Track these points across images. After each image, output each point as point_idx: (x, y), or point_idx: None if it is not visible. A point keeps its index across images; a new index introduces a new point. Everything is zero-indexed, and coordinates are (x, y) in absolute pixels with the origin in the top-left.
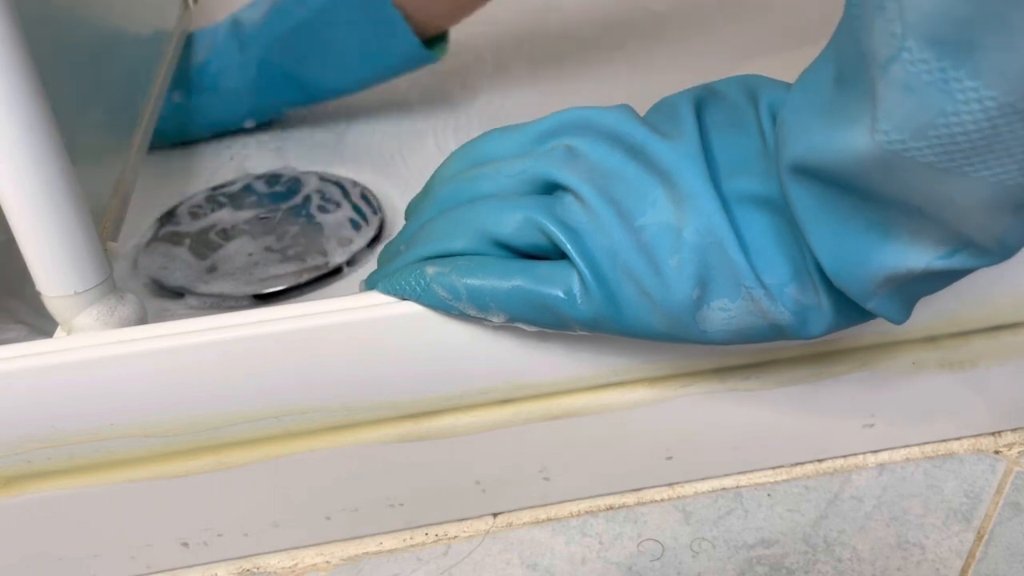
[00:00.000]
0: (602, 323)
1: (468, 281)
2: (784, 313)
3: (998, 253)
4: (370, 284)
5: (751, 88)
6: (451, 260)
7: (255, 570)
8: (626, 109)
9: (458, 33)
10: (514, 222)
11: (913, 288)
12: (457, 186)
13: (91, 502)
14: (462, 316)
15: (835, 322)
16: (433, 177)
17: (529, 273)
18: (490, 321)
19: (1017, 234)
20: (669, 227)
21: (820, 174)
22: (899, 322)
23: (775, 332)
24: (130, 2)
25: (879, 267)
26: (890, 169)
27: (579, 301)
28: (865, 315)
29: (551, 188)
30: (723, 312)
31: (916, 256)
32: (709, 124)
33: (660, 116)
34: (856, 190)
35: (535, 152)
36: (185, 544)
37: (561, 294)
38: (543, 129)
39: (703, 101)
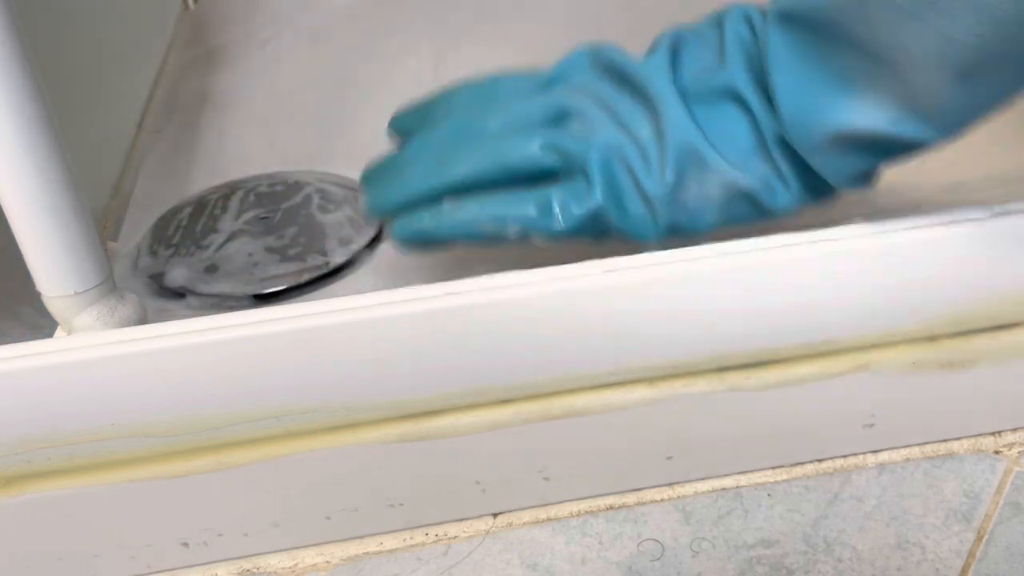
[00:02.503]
0: (602, 218)
1: (486, 209)
2: (750, 181)
3: (939, 126)
4: (375, 206)
5: (721, 12)
6: (469, 193)
7: (255, 570)
8: (620, 48)
9: (460, 35)
10: (527, 147)
11: (858, 154)
12: (469, 115)
13: (91, 502)
14: (479, 238)
15: (799, 192)
16: (436, 102)
17: (539, 193)
18: (506, 238)
19: (957, 105)
20: (653, 131)
21: (802, 18)
22: (837, 184)
23: (748, 203)
24: (129, 3)
25: (833, 119)
26: (865, 6)
27: (594, 195)
28: (825, 190)
29: (559, 119)
30: (699, 189)
31: (867, 114)
32: (680, 43)
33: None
34: (829, 34)
35: (544, 91)
36: (185, 544)
37: (578, 195)
38: (550, 74)
39: (680, 33)
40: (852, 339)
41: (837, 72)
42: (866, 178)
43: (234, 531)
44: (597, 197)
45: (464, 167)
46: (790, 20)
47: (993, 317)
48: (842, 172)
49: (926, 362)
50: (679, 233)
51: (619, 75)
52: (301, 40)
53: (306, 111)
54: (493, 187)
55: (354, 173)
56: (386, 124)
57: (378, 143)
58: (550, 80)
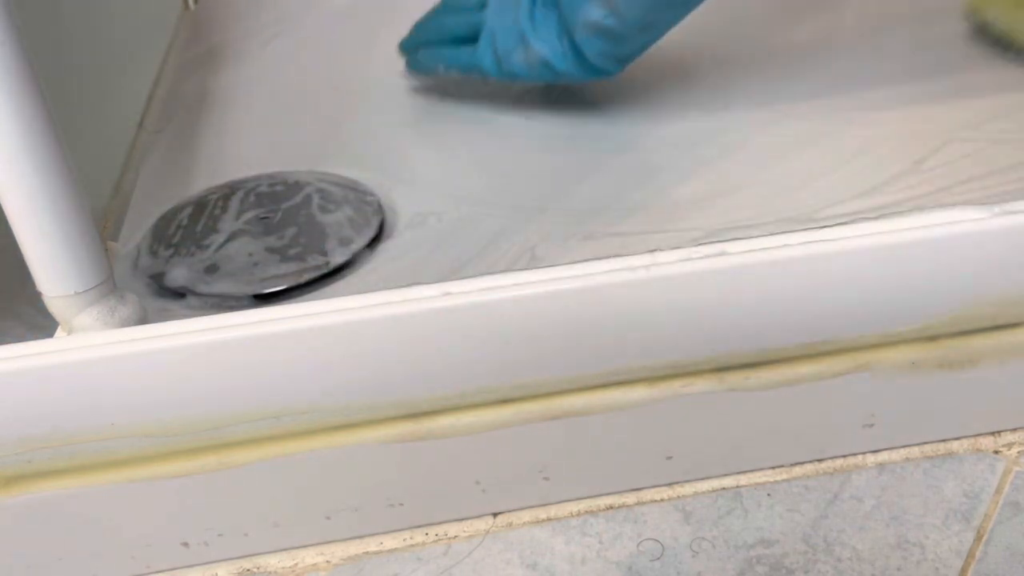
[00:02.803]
0: (479, 64)
1: (432, 56)
2: (547, 53)
3: (622, 21)
4: (402, 46)
5: None
6: (430, 46)
7: (255, 570)
8: None
9: None
10: (465, 26)
11: (596, 37)
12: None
13: (91, 502)
14: (429, 72)
15: (574, 64)
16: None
17: (462, 50)
18: (438, 72)
19: (625, 4)
20: (512, 20)
21: None
22: (594, 60)
23: (545, 67)
24: (129, 3)
25: (582, 14)
26: None
27: (478, 54)
28: (591, 67)
29: (481, 6)
30: (523, 55)
31: (594, 12)
32: None
33: None
34: None
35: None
36: (185, 544)
37: (471, 52)
38: None
39: None
40: (852, 339)
41: None
42: (616, 61)
43: (234, 531)
44: (478, 54)
45: (434, 34)
46: None
47: (993, 317)
48: (595, 51)
49: (926, 362)
50: (514, 78)
51: None
52: (301, 40)
53: (306, 111)
54: (452, 44)
55: (354, 173)
56: (386, 125)
57: (378, 143)
58: None
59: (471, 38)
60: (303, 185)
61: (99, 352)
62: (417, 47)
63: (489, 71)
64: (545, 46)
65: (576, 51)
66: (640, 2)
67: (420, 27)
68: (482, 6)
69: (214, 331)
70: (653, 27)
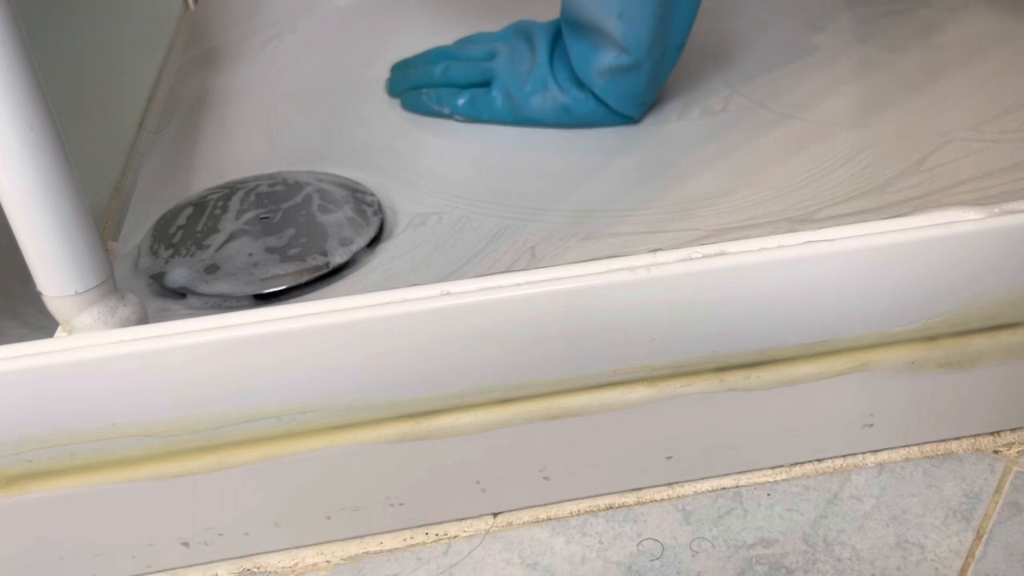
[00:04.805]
0: (492, 108)
1: (436, 98)
2: (567, 99)
3: (632, 53)
4: (392, 86)
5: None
6: (434, 88)
7: (255, 570)
8: (536, 22)
9: (456, 33)
10: (469, 74)
11: (613, 82)
12: (455, 47)
13: (91, 502)
14: (432, 113)
15: (594, 107)
16: (433, 49)
17: (467, 94)
18: (443, 114)
19: (632, 38)
20: (528, 68)
21: (566, 20)
22: (611, 103)
23: (564, 111)
24: (130, 4)
25: (594, 64)
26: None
27: (489, 100)
28: (605, 110)
29: (491, 56)
30: (541, 100)
31: (605, 57)
32: (557, 27)
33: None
34: (577, 24)
35: (490, 42)
36: (186, 544)
37: (477, 97)
38: (499, 33)
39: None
40: (852, 339)
41: (590, 44)
42: (637, 104)
43: (234, 531)
44: (489, 100)
45: (438, 80)
46: (565, 21)
47: (993, 317)
48: (611, 93)
49: (926, 362)
50: (528, 122)
51: (527, 36)
52: (301, 40)
53: (306, 111)
54: (455, 86)
55: (354, 173)
56: (386, 125)
57: (378, 143)
58: (498, 36)
59: (474, 84)
60: (303, 185)
61: (99, 352)
62: (416, 88)
63: (502, 115)
64: (565, 94)
65: (597, 99)
66: (643, 26)
67: (416, 72)
68: (489, 56)
69: (214, 331)
70: (661, 44)
